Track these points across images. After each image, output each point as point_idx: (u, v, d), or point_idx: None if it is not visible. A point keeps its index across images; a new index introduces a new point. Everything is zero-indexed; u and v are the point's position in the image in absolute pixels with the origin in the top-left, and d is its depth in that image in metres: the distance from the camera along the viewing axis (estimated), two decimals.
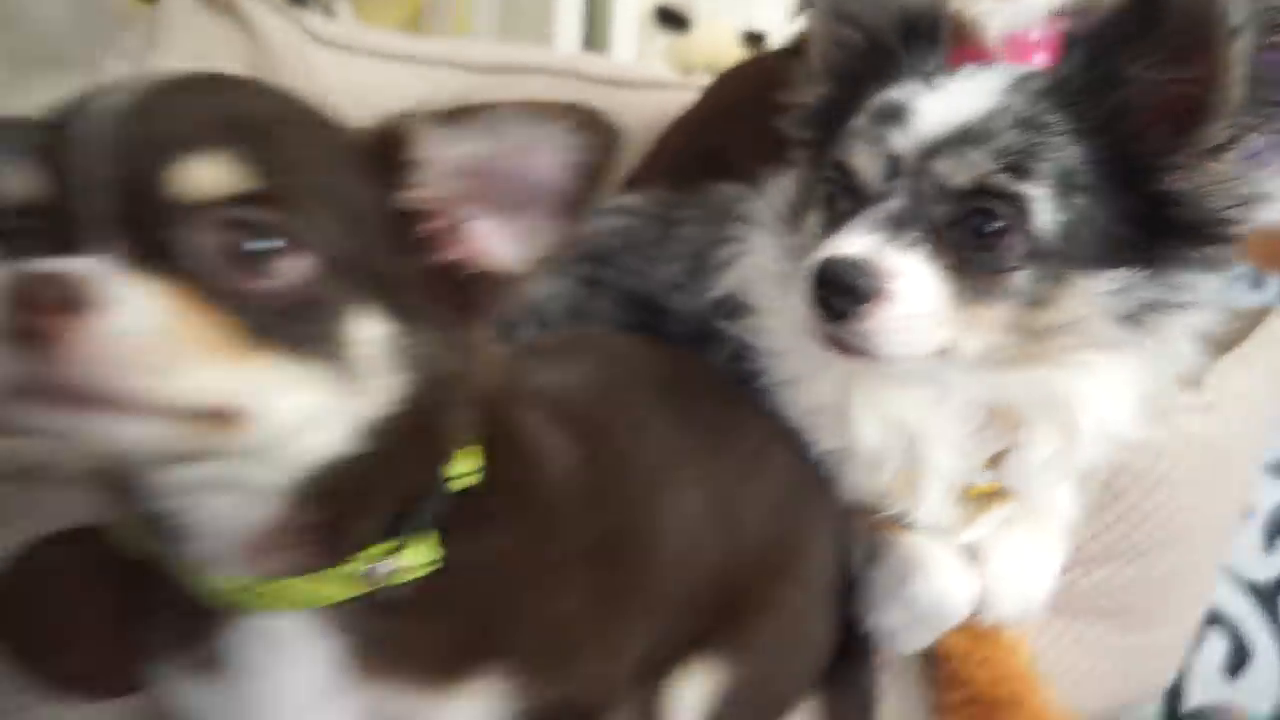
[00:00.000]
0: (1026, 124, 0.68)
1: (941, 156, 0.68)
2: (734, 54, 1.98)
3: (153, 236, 0.44)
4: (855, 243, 0.68)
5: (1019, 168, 0.67)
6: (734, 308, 0.90)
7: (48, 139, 0.46)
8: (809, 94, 0.84)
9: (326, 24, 1.49)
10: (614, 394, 0.75)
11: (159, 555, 0.54)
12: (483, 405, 0.57)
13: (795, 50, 1.22)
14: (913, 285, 0.66)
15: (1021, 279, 0.68)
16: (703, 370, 0.87)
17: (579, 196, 0.52)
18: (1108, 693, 0.93)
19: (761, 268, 0.86)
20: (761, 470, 0.81)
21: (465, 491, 0.57)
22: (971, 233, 0.68)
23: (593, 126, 0.52)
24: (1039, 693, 0.83)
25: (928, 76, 0.73)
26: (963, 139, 0.68)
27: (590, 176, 0.52)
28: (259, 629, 0.55)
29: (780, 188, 0.90)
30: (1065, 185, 0.67)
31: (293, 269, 0.45)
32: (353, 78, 1.47)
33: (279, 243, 0.45)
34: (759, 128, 0.91)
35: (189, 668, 0.58)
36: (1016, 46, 0.89)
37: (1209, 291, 0.74)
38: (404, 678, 0.57)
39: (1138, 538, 0.86)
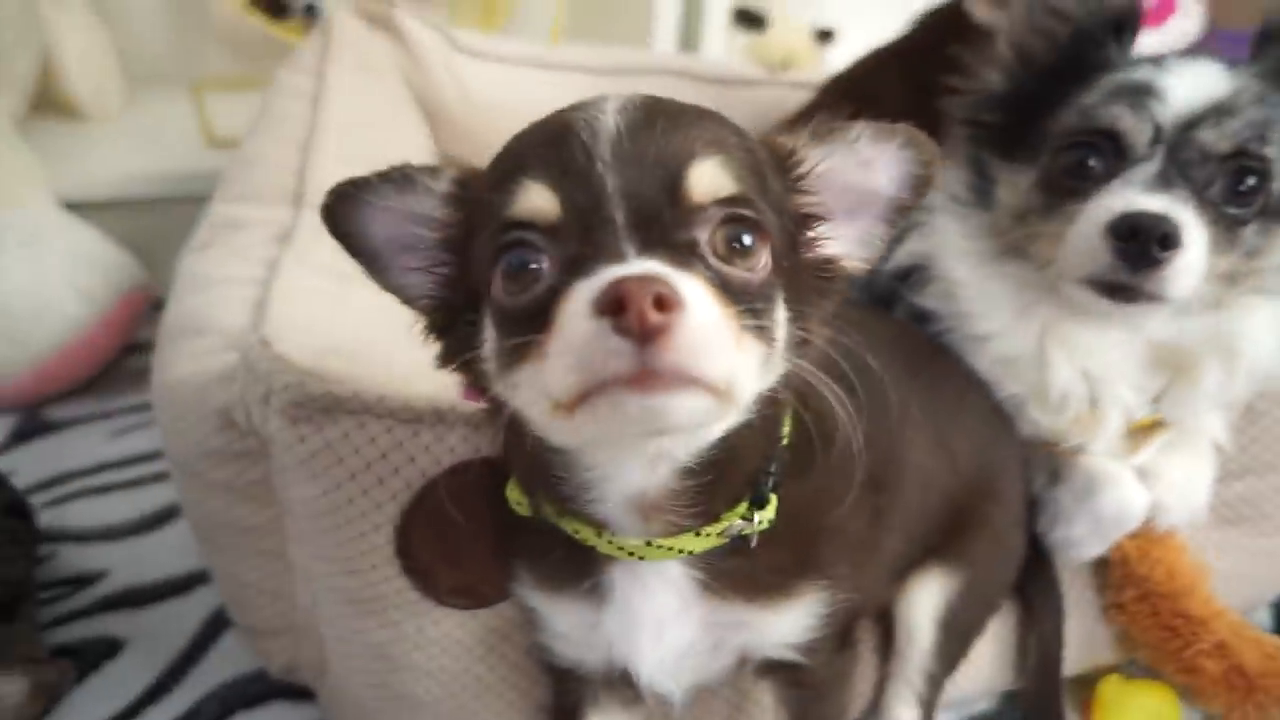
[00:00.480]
0: (1260, 101, 0.83)
1: (1204, 126, 0.81)
2: (807, 50, 2.12)
3: (671, 238, 0.50)
4: (1150, 200, 0.79)
5: (1263, 137, 0.81)
6: (916, 278, 1.04)
7: (550, 162, 0.51)
8: (991, 80, 0.94)
9: (467, 36, 1.61)
10: (859, 350, 0.88)
11: (550, 516, 0.65)
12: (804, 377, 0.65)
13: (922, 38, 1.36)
14: (1196, 235, 0.79)
15: (1250, 232, 0.83)
16: (907, 327, 1.01)
17: (906, 204, 0.62)
18: (1235, 592, 1.08)
19: (948, 244, 0.98)
20: (964, 411, 0.95)
21: (785, 447, 0.66)
22: (1227, 191, 0.81)
23: (919, 145, 0.61)
24: (1206, 584, 0.98)
25: (1155, 61, 0.87)
26: (1221, 111, 0.81)
27: (917, 187, 0.61)
28: (632, 570, 0.66)
29: (947, 175, 1.00)
30: None
31: (761, 261, 0.53)
32: (491, 81, 1.61)
33: (755, 238, 0.52)
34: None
35: (567, 596, 0.70)
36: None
37: None
38: (742, 598, 0.68)
39: (1273, 453, 1.01)
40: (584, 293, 0.47)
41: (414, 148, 1.48)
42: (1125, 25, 0.91)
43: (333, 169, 1.12)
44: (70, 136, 1.90)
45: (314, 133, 1.31)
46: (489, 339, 0.55)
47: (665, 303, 0.45)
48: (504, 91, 1.60)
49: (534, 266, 0.51)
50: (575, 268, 0.49)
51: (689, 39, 2.07)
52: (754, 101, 1.80)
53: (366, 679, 0.85)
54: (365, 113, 1.39)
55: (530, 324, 0.50)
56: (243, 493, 0.87)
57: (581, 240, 0.50)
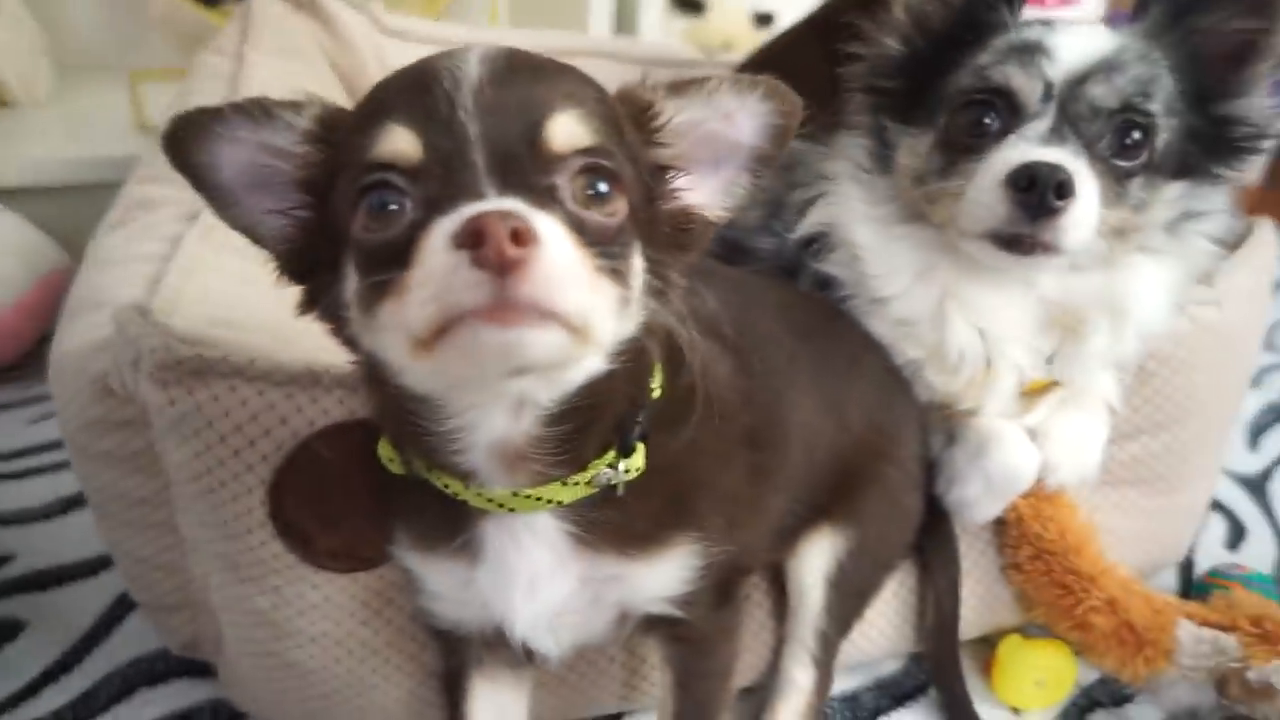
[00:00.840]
0: (1144, 59, 0.85)
1: (1093, 82, 0.83)
2: (746, 33, 2.14)
3: (531, 182, 0.51)
4: (1045, 151, 0.82)
5: (1147, 93, 0.84)
6: (820, 245, 1.05)
7: (413, 106, 0.52)
8: (889, 47, 0.95)
9: (394, 17, 1.60)
10: (746, 313, 0.89)
11: (421, 470, 0.65)
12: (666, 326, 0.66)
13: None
14: (1089, 186, 0.81)
15: (1136, 186, 0.85)
16: (803, 294, 1.03)
17: (768, 154, 0.63)
18: (1140, 552, 1.11)
19: (852, 210, 0.99)
20: (858, 373, 0.97)
21: (657, 400, 0.67)
22: (1115, 145, 0.84)
23: (779, 96, 0.62)
24: (1096, 543, 1.00)
25: (1045, 23, 0.89)
26: (1108, 68, 0.84)
27: (778, 137, 0.63)
28: (504, 524, 0.67)
29: (849, 143, 1.02)
30: (1169, 108, 0.85)
31: (618, 209, 0.54)
32: None
33: (611, 186, 0.54)
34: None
35: (440, 555, 0.70)
36: None
37: (1220, 203, 0.93)
38: (615, 549, 0.69)
39: (1165, 413, 1.03)
40: (444, 227, 0.48)
41: None
42: None
43: None
44: None
45: None
46: (350, 282, 0.56)
47: (522, 237, 0.47)
48: None
49: (394, 207, 0.52)
50: (436, 206, 0.50)
51: (625, 24, 2.07)
52: None
53: (254, 648, 0.85)
54: (284, 95, 1.38)
55: (392, 262, 0.51)
56: (129, 463, 0.86)
57: (443, 181, 0.51)
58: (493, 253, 0.46)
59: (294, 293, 0.64)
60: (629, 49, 1.82)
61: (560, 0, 2.05)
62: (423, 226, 0.50)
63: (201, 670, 1.01)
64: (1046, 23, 0.91)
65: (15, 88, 1.93)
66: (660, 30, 2.07)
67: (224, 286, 1.00)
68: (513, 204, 0.49)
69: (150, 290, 0.94)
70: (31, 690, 1.00)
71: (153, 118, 1.92)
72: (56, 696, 0.99)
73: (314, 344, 0.73)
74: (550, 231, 0.49)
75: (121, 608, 1.10)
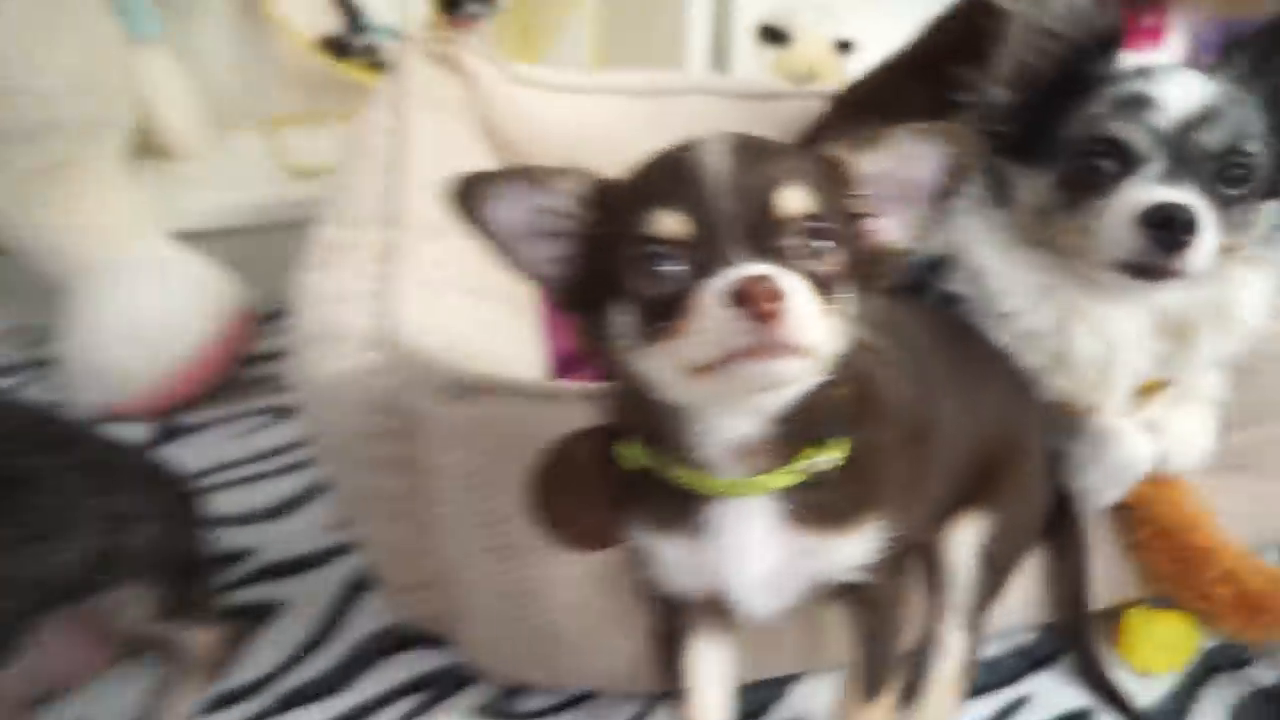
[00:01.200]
0: (1238, 103, 0.98)
1: (1200, 130, 0.96)
2: (830, 60, 2.28)
3: (770, 246, 0.66)
4: (1169, 192, 0.94)
5: (1247, 135, 0.97)
6: (943, 266, 1.18)
7: (677, 194, 0.67)
8: (995, 94, 1.07)
9: (521, 67, 1.79)
10: (895, 328, 1.04)
11: (655, 464, 0.81)
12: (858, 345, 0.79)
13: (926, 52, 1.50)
14: (1208, 219, 0.94)
15: (1240, 211, 0.98)
16: (937, 311, 1.17)
17: (947, 189, 0.77)
18: (1247, 532, 1.21)
19: (973, 237, 1.11)
20: (991, 378, 1.10)
21: (846, 403, 0.81)
22: (1223, 181, 0.97)
23: (957, 138, 0.76)
24: (1211, 520, 1.13)
25: (1144, 73, 1.01)
26: (1212, 116, 0.96)
27: (957, 173, 0.76)
28: (728, 507, 0.82)
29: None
30: (1264, 143, 0.98)
31: (834, 259, 0.69)
32: (546, 109, 1.78)
33: (830, 243, 0.69)
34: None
35: (673, 533, 0.86)
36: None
37: None
38: (818, 527, 0.84)
39: (1267, 404, 1.16)
40: (716, 288, 0.65)
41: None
42: (1111, 40, 1.05)
43: (416, 195, 1.30)
44: (164, 175, 2.10)
45: (397, 164, 1.49)
46: (623, 321, 0.72)
47: (776, 294, 0.63)
48: (558, 118, 1.77)
49: (663, 271, 0.68)
50: (701, 270, 0.67)
51: (720, 57, 2.23)
52: (780, 113, 1.95)
53: (505, 615, 1.03)
54: (440, 144, 1.56)
55: (666, 311, 0.67)
56: (391, 467, 1.04)
57: (705, 251, 0.67)
58: (757, 309, 0.62)
59: (560, 308, 0.79)
60: (725, 84, 1.96)
61: (656, 39, 2.21)
62: (690, 286, 0.66)
63: (432, 642, 1.20)
64: (1146, 72, 1.02)
65: (178, 142, 2.16)
66: (755, 62, 2.22)
67: (436, 319, 1.19)
68: (766, 268, 0.65)
69: (383, 321, 1.13)
70: (296, 660, 1.21)
71: (295, 163, 2.14)
72: (317, 664, 1.20)
73: (519, 367, 0.89)
74: (793, 287, 0.64)
75: (354, 590, 1.30)
